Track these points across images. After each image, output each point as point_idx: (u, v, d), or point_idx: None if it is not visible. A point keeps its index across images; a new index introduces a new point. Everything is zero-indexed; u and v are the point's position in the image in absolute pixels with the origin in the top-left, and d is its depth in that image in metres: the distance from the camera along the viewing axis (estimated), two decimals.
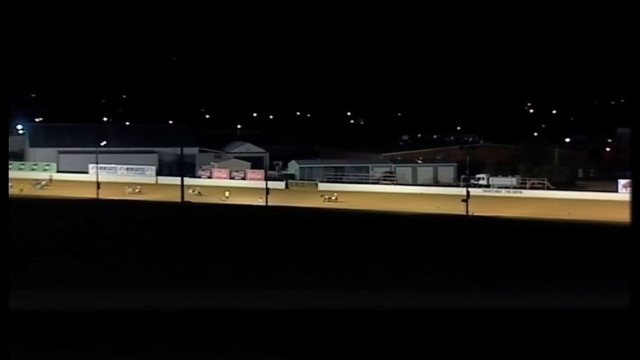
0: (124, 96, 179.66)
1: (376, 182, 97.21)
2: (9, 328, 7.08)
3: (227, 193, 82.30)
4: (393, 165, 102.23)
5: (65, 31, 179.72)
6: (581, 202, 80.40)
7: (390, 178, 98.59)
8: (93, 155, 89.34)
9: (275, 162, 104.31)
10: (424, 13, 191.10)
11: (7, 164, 7.82)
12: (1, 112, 7.62)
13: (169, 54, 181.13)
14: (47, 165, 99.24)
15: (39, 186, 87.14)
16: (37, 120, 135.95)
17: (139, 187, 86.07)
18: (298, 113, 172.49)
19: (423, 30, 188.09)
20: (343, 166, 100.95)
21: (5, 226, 7.50)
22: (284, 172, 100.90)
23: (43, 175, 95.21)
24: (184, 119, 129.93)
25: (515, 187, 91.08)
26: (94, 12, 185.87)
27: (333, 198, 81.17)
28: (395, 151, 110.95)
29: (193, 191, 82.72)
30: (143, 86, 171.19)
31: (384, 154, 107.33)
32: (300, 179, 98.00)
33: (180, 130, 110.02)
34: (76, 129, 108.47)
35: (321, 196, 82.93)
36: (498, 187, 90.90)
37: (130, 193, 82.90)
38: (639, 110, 6.52)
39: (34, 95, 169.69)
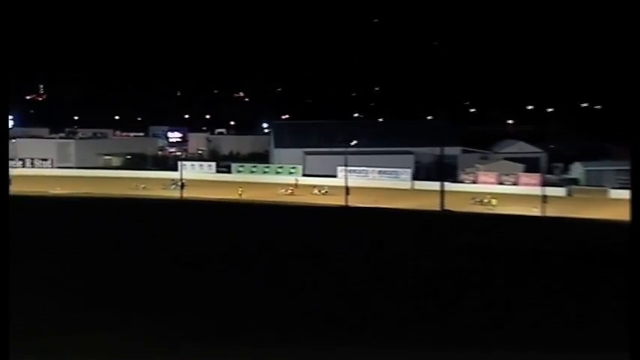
0: (377, 88, 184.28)
1: None
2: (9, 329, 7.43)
3: (494, 201, 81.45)
4: None
5: (308, 17, 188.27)
6: None
7: None
8: (342, 157, 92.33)
9: (554, 164, 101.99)
10: None
11: (7, 164, 8.55)
12: (1, 112, 8.13)
13: (430, 38, 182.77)
14: (293, 168, 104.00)
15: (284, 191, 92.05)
16: (282, 117, 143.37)
17: (326, 188, 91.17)
18: (584, 105, 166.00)
19: None
20: None
21: (5, 226, 7.92)
22: (565, 176, 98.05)
23: (289, 179, 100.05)
24: (445, 114, 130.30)
25: None
26: None
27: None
28: None
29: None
30: (398, 77, 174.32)
31: None
32: (586, 185, 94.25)
33: (440, 127, 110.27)
34: (323, 127, 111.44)
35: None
36: None
37: (315, 195, 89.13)
38: (639, 110, 7.10)
39: (279, 89, 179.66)
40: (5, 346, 8.12)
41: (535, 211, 74.80)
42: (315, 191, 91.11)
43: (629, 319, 6.79)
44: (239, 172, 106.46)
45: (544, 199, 77.82)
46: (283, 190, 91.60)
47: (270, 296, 20.65)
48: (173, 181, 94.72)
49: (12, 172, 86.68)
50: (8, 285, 8.40)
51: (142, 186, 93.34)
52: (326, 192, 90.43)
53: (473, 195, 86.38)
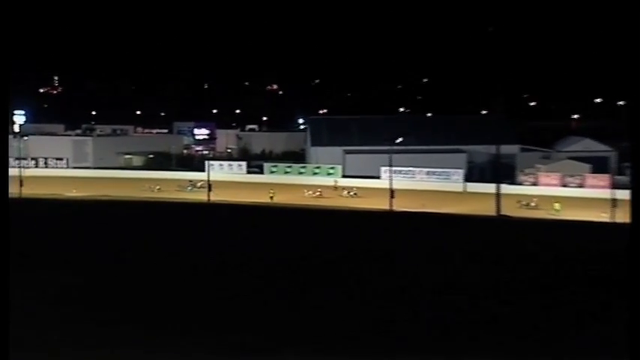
0: (425, 80, 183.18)
1: None
2: (9, 327, 8.40)
3: (557, 205, 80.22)
4: None
5: (347, 6, 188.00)
6: None
7: None
8: (386, 156, 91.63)
9: (625, 164, 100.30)
10: None
11: (7, 164, 9.40)
12: (1, 112, 8.92)
13: (484, 23, 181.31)
14: (331, 168, 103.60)
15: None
16: (320, 112, 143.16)
17: (354, 189, 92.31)
18: None
19: None
20: None
21: (5, 226, 8.68)
22: None
23: (327, 180, 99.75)
24: (502, 108, 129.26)
25: None
26: None
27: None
28: None
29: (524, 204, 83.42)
30: (449, 67, 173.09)
31: None
32: None
33: (496, 122, 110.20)
34: (365, 123, 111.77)
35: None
36: None
37: (345, 197, 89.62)
38: (639, 109, 7.73)
39: (317, 81, 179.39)
40: (5, 348, 8.81)
41: (604, 217, 73.54)
42: (344, 193, 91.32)
43: (629, 319, 7.35)
44: (272, 172, 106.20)
45: (614, 203, 76.09)
46: (310, 192, 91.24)
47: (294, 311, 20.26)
48: (191, 182, 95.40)
49: (24, 172, 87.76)
50: (8, 288, 8.92)
51: (157, 187, 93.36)
52: (355, 194, 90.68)
53: (526, 198, 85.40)
